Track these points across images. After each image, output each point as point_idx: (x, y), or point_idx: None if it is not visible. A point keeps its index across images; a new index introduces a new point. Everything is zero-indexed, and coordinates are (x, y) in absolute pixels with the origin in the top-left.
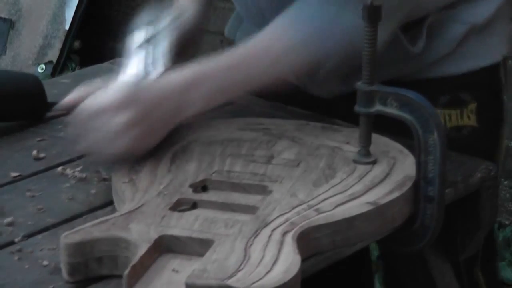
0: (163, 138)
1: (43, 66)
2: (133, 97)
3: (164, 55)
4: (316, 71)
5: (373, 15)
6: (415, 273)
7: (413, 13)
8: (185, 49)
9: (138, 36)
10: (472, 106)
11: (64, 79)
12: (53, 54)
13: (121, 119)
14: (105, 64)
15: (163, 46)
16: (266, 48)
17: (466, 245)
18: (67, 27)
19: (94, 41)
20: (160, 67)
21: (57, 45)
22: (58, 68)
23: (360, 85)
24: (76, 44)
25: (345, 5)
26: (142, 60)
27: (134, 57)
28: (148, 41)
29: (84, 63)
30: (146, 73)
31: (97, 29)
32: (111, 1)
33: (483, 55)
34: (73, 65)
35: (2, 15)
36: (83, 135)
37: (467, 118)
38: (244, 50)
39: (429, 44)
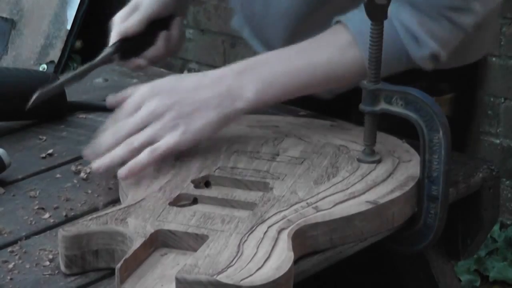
0: (216, 130)
1: (44, 66)
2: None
3: None
4: None
5: (374, 13)
6: (417, 273)
7: None
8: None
9: None
10: (448, 96)
11: None
12: (55, 54)
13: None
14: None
15: None
16: (333, 37)
17: (468, 245)
18: (68, 27)
19: (96, 40)
20: None
21: (59, 45)
22: (59, 68)
23: (365, 83)
24: (78, 43)
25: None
26: None
27: None
28: None
29: (85, 63)
30: None
31: (98, 28)
32: (113, 0)
33: (469, 54)
34: (75, 65)
35: (4, 15)
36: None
37: (441, 106)
38: (308, 41)
39: None
